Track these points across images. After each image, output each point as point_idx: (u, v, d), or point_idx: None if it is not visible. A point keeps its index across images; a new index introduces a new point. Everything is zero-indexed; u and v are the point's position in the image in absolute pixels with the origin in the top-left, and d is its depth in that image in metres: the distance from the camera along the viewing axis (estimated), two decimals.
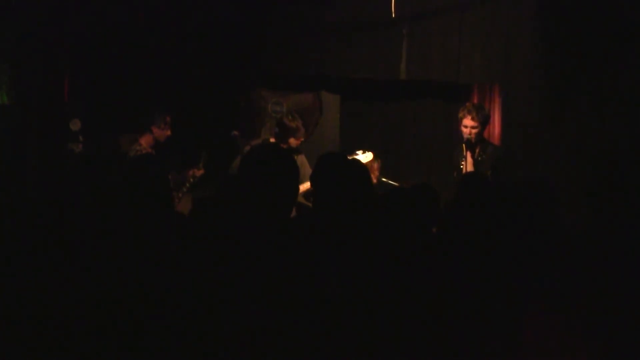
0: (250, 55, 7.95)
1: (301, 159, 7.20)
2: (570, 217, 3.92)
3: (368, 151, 7.18)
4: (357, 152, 7.18)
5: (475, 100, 8.07)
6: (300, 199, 7.03)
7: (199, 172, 7.14)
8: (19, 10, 6.99)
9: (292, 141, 7.20)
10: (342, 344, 2.96)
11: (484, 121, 6.76)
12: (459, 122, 6.78)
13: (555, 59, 7.52)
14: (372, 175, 7.26)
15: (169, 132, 7.26)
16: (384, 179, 7.54)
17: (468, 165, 6.62)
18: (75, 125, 7.41)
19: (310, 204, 6.97)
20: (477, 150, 6.73)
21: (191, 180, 7.17)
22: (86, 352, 3.06)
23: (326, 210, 3.88)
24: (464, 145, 6.69)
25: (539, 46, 7.60)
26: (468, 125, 6.66)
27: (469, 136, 6.66)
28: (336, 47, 7.99)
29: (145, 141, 7.19)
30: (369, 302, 3.10)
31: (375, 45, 8.01)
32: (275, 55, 8.06)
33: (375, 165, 7.54)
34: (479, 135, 6.74)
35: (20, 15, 7.00)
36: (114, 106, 7.84)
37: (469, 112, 6.67)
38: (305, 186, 7.04)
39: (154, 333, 3.07)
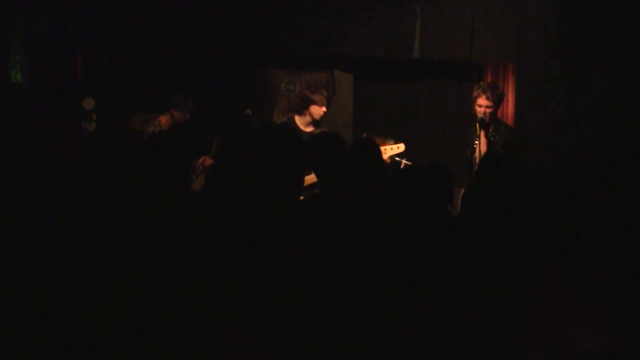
0: (263, 34, 7.93)
1: None
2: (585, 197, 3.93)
3: (401, 142, 7.09)
4: (389, 141, 7.11)
5: (489, 80, 8.05)
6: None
7: (208, 162, 7.13)
8: None
9: (314, 110, 7.19)
10: (357, 323, 2.97)
11: (498, 100, 6.75)
12: (473, 101, 6.76)
13: (568, 38, 7.48)
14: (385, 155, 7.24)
15: (188, 116, 7.28)
16: (397, 158, 7.52)
17: (482, 145, 6.61)
18: (89, 104, 7.43)
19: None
20: (490, 130, 6.72)
21: (201, 168, 7.17)
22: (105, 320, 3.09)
23: (338, 190, 3.88)
24: (477, 124, 6.67)
25: (552, 25, 7.56)
26: (482, 104, 6.65)
27: (482, 115, 6.65)
28: (349, 26, 7.96)
29: (165, 120, 7.21)
30: (385, 281, 3.11)
31: (389, 24, 7.98)
32: (288, 34, 8.04)
33: (388, 144, 7.51)
34: (493, 114, 6.73)
35: None
36: (127, 85, 7.85)
37: (484, 92, 6.66)
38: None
39: (164, 315, 3.09)
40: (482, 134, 6.66)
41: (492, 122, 6.75)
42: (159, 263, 3.28)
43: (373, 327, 3.01)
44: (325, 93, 7.29)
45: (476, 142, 6.62)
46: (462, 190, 6.32)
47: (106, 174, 4.20)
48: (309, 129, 7.21)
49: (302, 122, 7.23)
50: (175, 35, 7.78)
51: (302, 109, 7.21)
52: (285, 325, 2.91)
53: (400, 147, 7.04)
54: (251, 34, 7.89)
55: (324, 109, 7.19)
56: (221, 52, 8.08)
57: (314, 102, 7.16)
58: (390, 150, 6.97)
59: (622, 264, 3.01)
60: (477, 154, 6.52)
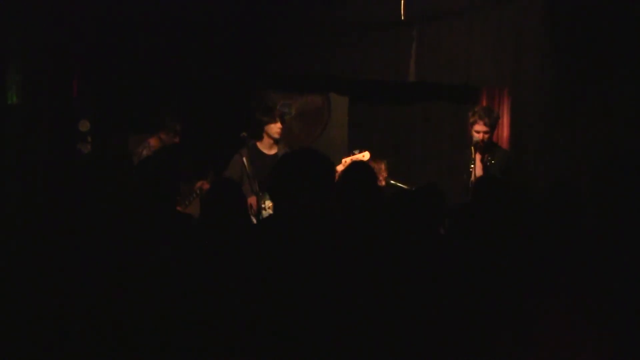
0: (259, 57, 7.95)
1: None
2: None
3: (365, 150, 7.15)
4: (354, 151, 7.15)
5: (484, 103, 8.05)
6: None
7: (206, 186, 7.13)
8: (29, 10, 7.01)
9: (270, 129, 7.20)
10: (351, 344, 2.95)
11: (494, 124, 6.76)
12: (470, 126, 6.76)
13: (564, 63, 7.50)
14: (380, 177, 7.25)
15: (177, 140, 7.28)
16: (392, 181, 7.52)
17: (477, 168, 6.60)
18: (84, 126, 7.43)
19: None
20: (486, 155, 6.71)
21: (197, 192, 7.17)
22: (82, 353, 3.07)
23: (334, 211, 3.87)
24: (472, 147, 6.67)
25: (548, 50, 7.58)
26: (480, 130, 6.65)
27: (479, 139, 6.65)
28: (345, 49, 7.97)
29: (154, 142, 7.22)
30: (376, 302, 3.10)
31: (385, 47, 8.00)
32: (284, 56, 8.05)
33: (383, 166, 7.52)
34: (490, 138, 6.73)
35: (30, 15, 7.01)
36: (122, 107, 7.86)
37: (481, 118, 6.65)
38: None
39: (156, 331, 3.07)
40: (478, 157, 6.65)
41: (488, 146, 6.75)
42: (153, 282, 3.27)
43: (367, 348, 2.99)
44: (279, 112, 7.34)
45: (472, 166, 6.62)
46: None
47: (100, 195, 4.22)
48: (273, 152, 7.24)
49: (264, 147, 7.28)
50: (172, 58, 7.79)
51: (260, 134, 7.24)
52: (280, 345, 2.90)
53: (365, 155, 7.06)
54: (248, 57, 7.90)
55: (278, 124, 7.21)
56: (218, 75, 8.09)
57: (266, 122, 7.19)
58: (356, 158, 6.99)
59: (619, 284, 3.00)
60: (473, 177, 6.51)
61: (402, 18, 7.68)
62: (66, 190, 6.56)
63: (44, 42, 7.14)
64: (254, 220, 6.73)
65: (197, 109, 8.20)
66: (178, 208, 6.91)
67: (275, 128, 7.18)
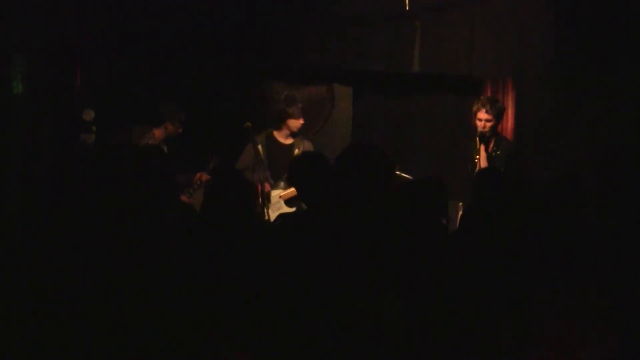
0: (263, 47, 7.95)
1: (307, 146, 7.22)
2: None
3: None
4: None
5: (489, 94, 8.04)
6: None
7: (205, 177, 7.15)
8: (33, 1, 7.02)
9: (291, 123, 7.26)
10: (354, 336, 2.97)
11: (498, 114, 6.75)
12: (473, 115, 6.76)
13: (568, 53, 7.48)
14: None
15: (180, 130, 7.32)
16: (397, 172, 7.52)
17: (482, 159, 6.60)
18: (88, 115, 7.44)
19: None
20: (491, 145, 6.71)
21: (198, 183, 7.19)
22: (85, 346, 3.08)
23: (339, 203, 3.88)
24: (477, 138, 6.66)
25: (552, 40, 7.56)
26: (482, 118, 6.65)
27: (483, 129, 6.65)
28: (349, 40, 7.98)
29: (158, 133, 7.24)
30: (378, 293, 3.11)
31: (389, 38, 7.99)
32: (287, 47, 8.06)
33: None
34: (494, 128, 6.72)
35: (34, 5, 7.02)
36: (126, 97, 7.87)
37: (483, 105, 6.67)
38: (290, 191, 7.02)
39: (155, 325, 3.08)
40: (482, 148, 6.65)
41: (492, 137, 6.74)
42: (153, 273, 3.28)
43: (367, 341, 3.00)
44: (300, 105, 7.35)
45: (477, 157, 6.61)
46: (460, 204, 6.35)
47: (102, 186, 4.22)
48: (289, 141, 7.31)
49: (281, 136, 7.34)
50: (176, 49, 7.80)
51: (280, 123, 7.31)
52: (280, 340, 2.91)
53: None
54: (251, 48, 7.91)
55: (301, 120, 7.29)
56: (222, 66, 8.10)
57: (290, 116, 7.26)
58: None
59: (621, 279, 3.01)
60: (477, 168, 6.51)
61: (407, 9, 7.68)
62: (70, 180, 6.58)
63: (48, 33, 7.15)
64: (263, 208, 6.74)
65: (200, 100, 8.21)
66: (183, 198, 6.94)
67: (296, 123, 7.28)
